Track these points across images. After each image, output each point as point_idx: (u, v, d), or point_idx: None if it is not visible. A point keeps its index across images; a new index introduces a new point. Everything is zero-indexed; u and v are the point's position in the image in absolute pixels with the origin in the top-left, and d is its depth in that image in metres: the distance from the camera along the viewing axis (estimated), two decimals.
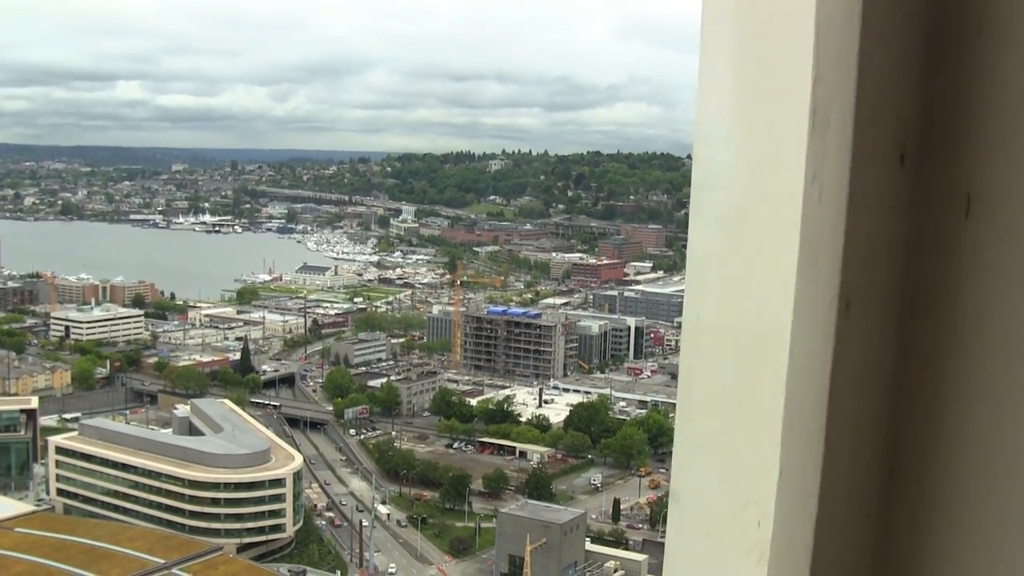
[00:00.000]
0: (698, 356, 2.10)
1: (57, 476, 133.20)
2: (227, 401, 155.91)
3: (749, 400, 1.97)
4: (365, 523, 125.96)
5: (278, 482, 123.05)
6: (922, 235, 2.02)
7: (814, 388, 1.98)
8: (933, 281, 2.01)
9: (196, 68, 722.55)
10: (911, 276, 2.04)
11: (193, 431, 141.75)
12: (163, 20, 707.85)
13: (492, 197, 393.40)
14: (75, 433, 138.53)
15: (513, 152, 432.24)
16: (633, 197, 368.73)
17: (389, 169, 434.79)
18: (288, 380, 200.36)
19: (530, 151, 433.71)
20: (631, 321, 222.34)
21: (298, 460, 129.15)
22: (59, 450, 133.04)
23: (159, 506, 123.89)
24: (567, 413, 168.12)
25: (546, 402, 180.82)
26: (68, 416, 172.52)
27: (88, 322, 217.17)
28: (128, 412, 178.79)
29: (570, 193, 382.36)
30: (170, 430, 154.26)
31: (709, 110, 2.06)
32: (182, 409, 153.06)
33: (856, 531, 2.10)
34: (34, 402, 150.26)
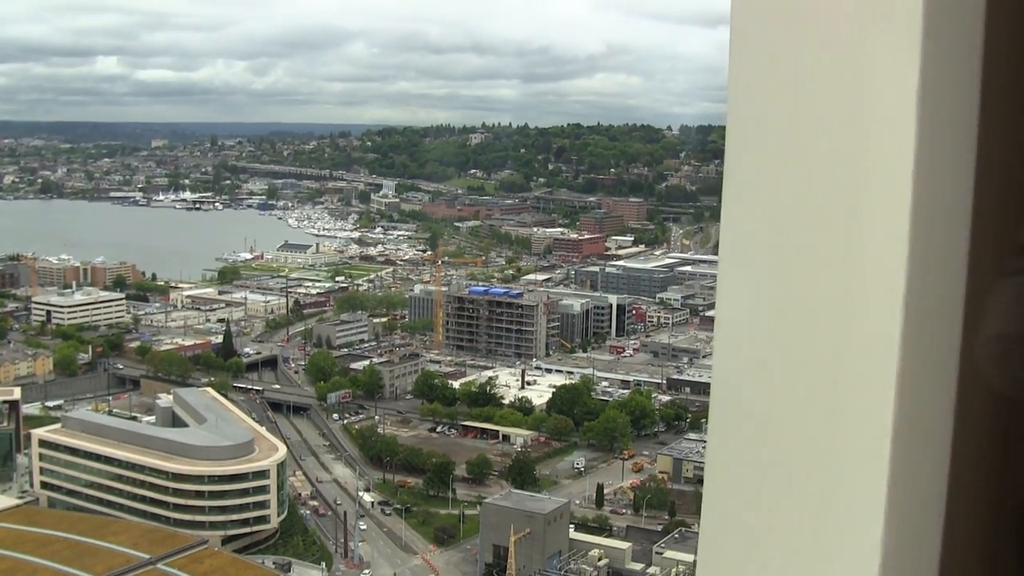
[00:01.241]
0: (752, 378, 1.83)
1: (41, 469, 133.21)
2: (209, 390, 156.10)
3: (847, 441, 1.70)
4: (351, 516, 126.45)
5: (262, 474, 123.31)
6: None
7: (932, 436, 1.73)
8: None
9: (174, 43, 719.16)
10: None
11: (176, 421, 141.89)
12: None
13: (473, 171, 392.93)
14: (58, 425, 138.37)
15: (493, 125, 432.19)
16: (614, 170, 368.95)
17: (369, 143, 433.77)
18: (271, 363, 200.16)
19: (510, 123, 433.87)
20: (613, 299, 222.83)
21: (282, 451, 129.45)
22: (42, 443, 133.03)
23: (143, 499, 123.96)
24: (550, 395, 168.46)
25: (529, 384, 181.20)
26: (51, 404, 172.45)
27: (70, 306, 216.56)
28: (111, 398, 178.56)
29: (551, 166, 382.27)
30: (153, 418, 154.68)
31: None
32: (165, 399, 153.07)
33: None
34: (17, 393, 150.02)
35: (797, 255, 1.75)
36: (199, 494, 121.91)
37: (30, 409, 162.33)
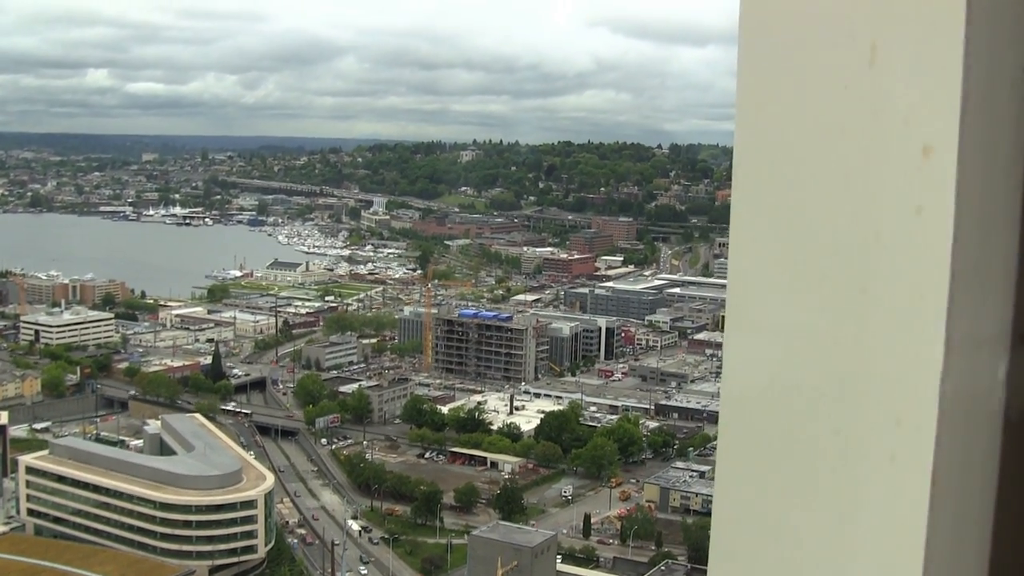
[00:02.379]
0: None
1: (28, 496, 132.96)
2: (198, 415, 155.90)
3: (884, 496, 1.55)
4: (339, 545, 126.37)
5: (250, 503, 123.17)
6: None
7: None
8: None
9: (165, 56, 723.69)
10: None
11: (164, 448, 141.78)
12: (130, 10, 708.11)
13: (463, 188, 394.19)
14: (46, 452, 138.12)
15: (484, 142, 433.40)
16: (604, 189, 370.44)
17: (360, 159, 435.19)
18: (259, 385, 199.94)
19: (501, 141, 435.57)
20: (601, 322, 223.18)
21: (269, 480, 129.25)
22: (29, 469, 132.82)
23: (131, 527, 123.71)
24: (538, 421, 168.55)
25: (517, 408, 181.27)
26: (39, 426, 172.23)
27: (58, 326, 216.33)
28: (99, 420, 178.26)
29: (541, 184, 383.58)
30: (140, 442, 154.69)
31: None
32: (153, 425, 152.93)
33: None
34: (4, 417, 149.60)
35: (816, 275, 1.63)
36: (187, 524, 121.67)
37: (17, 431, 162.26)
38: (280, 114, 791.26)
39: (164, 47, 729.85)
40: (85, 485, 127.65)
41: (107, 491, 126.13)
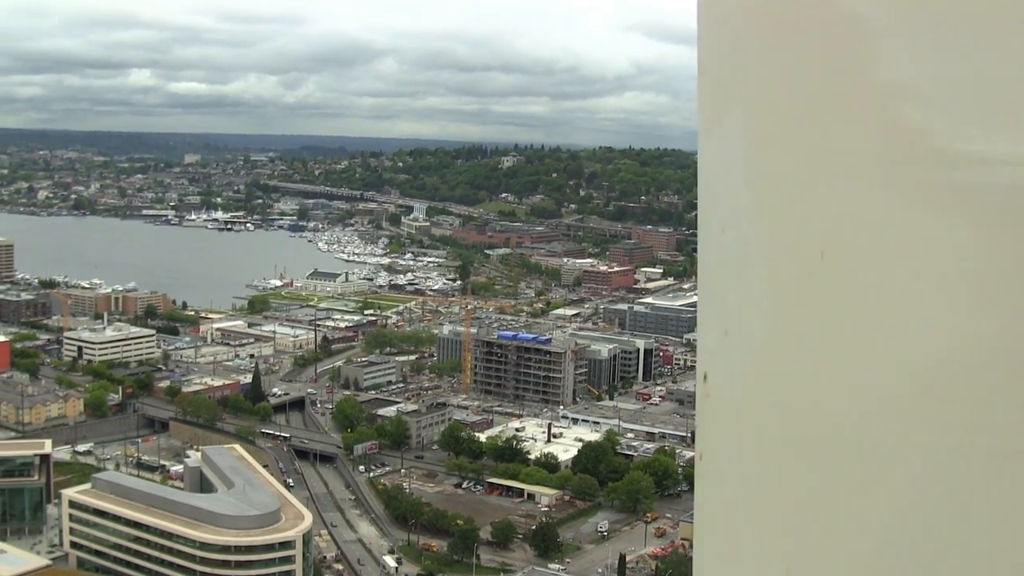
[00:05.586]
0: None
1: (71, 529, 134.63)
2: (237, 447, 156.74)
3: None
4: None
5: (288, 544, 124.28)
6: None
7: None
8: None
9: (206, 57, 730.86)
10: None
11: (204, 483, 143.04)
12: (171, 13, 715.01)
13: (504, 195, 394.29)
14: (88, 486, 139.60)
15: (526, 147, 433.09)
16: (644, 197, 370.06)
17: (400, 164, 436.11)
18: (298, 404, 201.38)
19: (543, 146, 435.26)
20: (640, 343, 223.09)
21: (307, 520, 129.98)
22: (72, 504, 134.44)
23: (170, 565, 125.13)
24: (575, 451, 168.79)
25: (555, 436, 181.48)
26: (81, 449, 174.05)
27: (101, 343, 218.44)
28: (140, 440, 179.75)
29: (582, 192, 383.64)
30: (180, 467, 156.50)
31: None
32: (193, 457, 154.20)
33: None
34: (47, 446, 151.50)
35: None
36: (225, 563, 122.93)
37: (61, 453, 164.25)
38: (320, 113, 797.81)
39: (205, 48, 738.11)
40: (126, 521, 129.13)
41: (147, 528, 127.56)
